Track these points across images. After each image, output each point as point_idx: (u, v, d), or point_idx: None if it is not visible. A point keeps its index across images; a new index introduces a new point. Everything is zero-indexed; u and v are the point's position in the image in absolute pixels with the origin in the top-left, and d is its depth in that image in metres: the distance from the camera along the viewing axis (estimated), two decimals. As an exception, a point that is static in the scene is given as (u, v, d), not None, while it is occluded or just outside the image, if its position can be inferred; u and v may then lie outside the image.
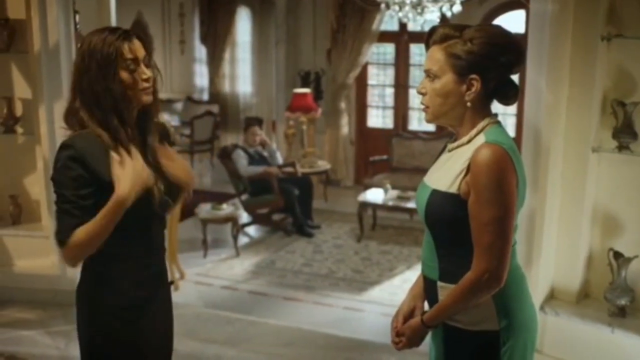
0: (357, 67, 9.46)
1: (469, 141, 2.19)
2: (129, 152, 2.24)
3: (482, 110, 2.20)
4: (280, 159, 8.25)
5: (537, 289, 3.88)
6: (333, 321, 5.37)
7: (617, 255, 3.71)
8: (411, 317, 2.37)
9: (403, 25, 9.19)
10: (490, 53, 2.12)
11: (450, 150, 2.26)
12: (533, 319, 2.32)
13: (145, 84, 2.30)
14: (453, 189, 2.15)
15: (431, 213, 2.21)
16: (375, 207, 7.76)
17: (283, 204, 7.76)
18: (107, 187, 2.21)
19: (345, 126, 9.75)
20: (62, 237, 2.20)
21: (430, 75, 2.20)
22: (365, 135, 10.04)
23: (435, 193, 2.19)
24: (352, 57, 9.38)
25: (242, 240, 7.58)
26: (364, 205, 7.63)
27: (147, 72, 2.29)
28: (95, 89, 2.23)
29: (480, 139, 2.15)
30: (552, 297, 3.99)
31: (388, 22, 9.29)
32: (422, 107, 2.26)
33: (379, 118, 10.16)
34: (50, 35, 4.75)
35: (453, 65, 2.14)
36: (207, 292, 6.07)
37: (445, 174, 2.20)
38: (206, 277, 6.42)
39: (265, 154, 8.07)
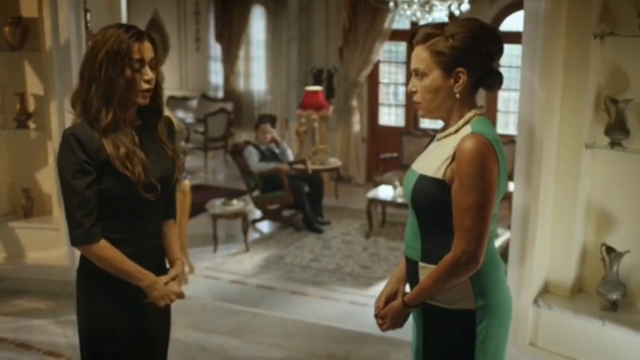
0: (369, 65, 9.54)
1: (456, 131, 2.31)
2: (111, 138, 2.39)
3: (468, 101, 2.33)
4: (291, 156, 8.34)
5: (531, 283, 3.95)
6: (338, 315, 5.45)
7: (610, 250, 3.75)
8: (393, 300, 2.50)
9: (415, 24, 9.25)
10: (472, 46, 2.25)
11: (438, 140, 2.38)
12: (508, 301, 2.43)
13: (146, 85, 2.40)
14: (439, 175, 2.27)
15: (417, 196, 2.34)
16: (384, 203, 7.83)
17: (293, 201, 7.87)
18: (103, 172, 2.38)
19: (357, 124, 9.83)
20: (87, 238, 2.39)
21: (418, 74, 2.32)
22: (377, 133, 10.11)
23: (422, 178, 2.32)
24: (363, 55, 9.46)
25: (253, 235, 7.70)
26: (373, 201, 7.72)
27: (149, 74, 2.40)
28: (97, 77, 2.34)
29: (467, 129, 2.27)
30: (546, 291, 4.04)
31: (400, 20, 9.35)
32: (415, 104, 2.38)
33: (390, 116, 10.24)
34: (61, 33, 4.87)
35: (438, 62, 2.27)
36: (216, 285, 6.18)
37: (433, 160, 2.32)
38: (215, 271, 6.53)
39: (277, 151, 8.18)
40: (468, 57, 2.25)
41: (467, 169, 2.18)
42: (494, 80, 2.32)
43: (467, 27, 2.26)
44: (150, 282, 2.50)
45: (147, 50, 2.39)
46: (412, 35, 2.35)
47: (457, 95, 2.29)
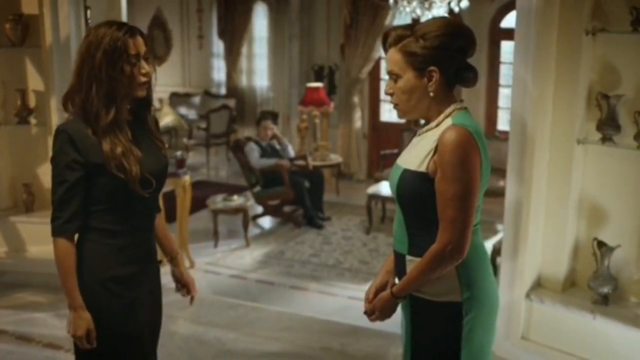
0: (370, 62, 9.57)
1: (437, 125, 2.35)
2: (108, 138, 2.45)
3: (446, 97, 2.36)
4: (292, 153, 8.38)
5: (523, 277, 3.99)
6: (337, 310, 5.50)
7: (601, 244, 3.79)
8: (383, 291, 2.53)
9: (416, 21, 9.27)
10: (442, 44, 2.28)
11: (420, 134, 2.42)
12: (494, 293, 2.46)
13: (143, 79, 2.48)
14: (422, 168, 2.31)
15: (402, 191, 2.38)
16: (384, 199, 7.86)
17: (294, 197, 7.91)
18: (96, 168, 2.44)
19: (359, 120, 9.87)
20: (57, 231, 2.49)
21: (392, 76, 2.37)
22: (378, 130, 10.14)
23: (406, 172, 2.36)
24: (365, 52, 9.49)
25: (254, 231, 7.75)
26: (373, 197, 7.75)
27: (146, 67, 2.48)
28: (98, 77, 2.40)
29: (448, 122, 2.31)
30: (538, 285, 4.08)
31: (400, 17, 9.37)
32: (394, 106, 2.43)
33: (392, 112, 10.21)
34: (61, 30, 4.95)
35: (411, 62, 2.31)
36: (216, 280, 6.23)
37: (416, 154, 2.35)
38: (215, 266, 6.58)
39: (278, 147, 8.22)
40: (439, 56, 2.28)
41: (448, 159, 2.22)
42: (468, 76, 2.36)
43: (436, 25, 2.30)
44: (75, 306, 2.50)
45: (141, 44, 2.47)
46: (384, 39, 2.39)
47: (432, 94, 2.32)
